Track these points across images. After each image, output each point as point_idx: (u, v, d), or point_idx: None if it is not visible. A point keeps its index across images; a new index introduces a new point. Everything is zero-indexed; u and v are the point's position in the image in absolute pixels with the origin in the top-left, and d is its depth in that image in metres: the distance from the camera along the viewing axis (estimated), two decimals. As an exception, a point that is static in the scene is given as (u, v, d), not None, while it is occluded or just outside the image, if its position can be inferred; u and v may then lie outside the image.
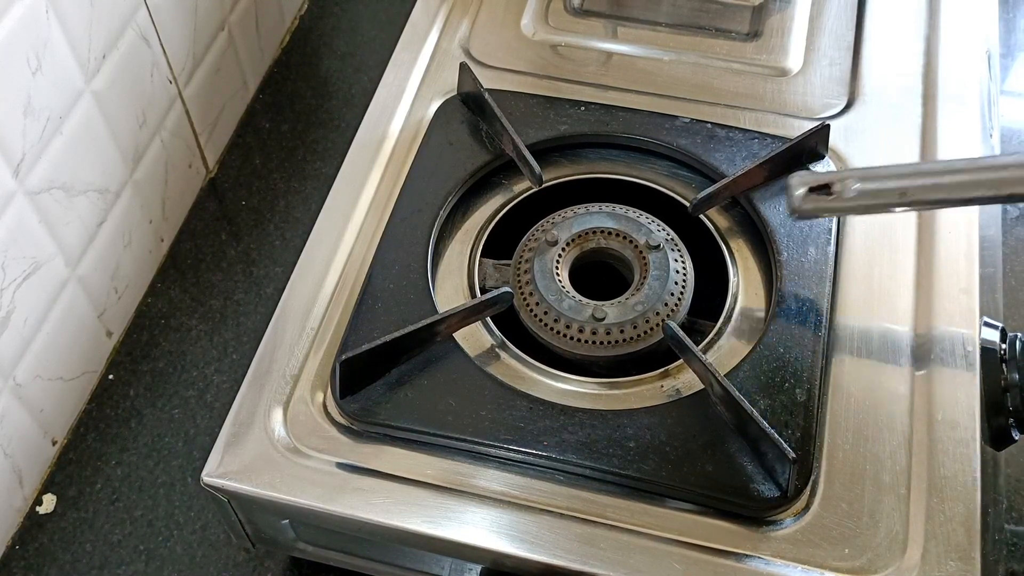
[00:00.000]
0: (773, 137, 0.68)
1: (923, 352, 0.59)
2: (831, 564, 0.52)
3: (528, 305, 0.62)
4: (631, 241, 0.64)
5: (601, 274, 0.65)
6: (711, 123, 0.69)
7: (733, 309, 0.62)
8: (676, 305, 0.61)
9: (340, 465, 0.57)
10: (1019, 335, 0.60)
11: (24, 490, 0.70)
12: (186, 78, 0.80)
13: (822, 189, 0.55)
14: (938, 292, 0.61)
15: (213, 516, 0.69)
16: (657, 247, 0.63)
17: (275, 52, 0.94)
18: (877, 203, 0.56)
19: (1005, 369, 0.59)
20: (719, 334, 0.61)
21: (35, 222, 0.66)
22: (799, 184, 0.56)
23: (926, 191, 0.55)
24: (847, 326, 0.60)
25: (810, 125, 0.67)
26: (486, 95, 0.68)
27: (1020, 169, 0.53)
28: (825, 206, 0.56)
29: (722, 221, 0.66)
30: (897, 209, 0.58)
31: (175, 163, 0.81)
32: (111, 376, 0.76)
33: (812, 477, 0.55)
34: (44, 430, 0.71)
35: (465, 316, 0.60)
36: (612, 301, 0.62)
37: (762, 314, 0.62)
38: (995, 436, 0.58)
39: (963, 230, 0.64)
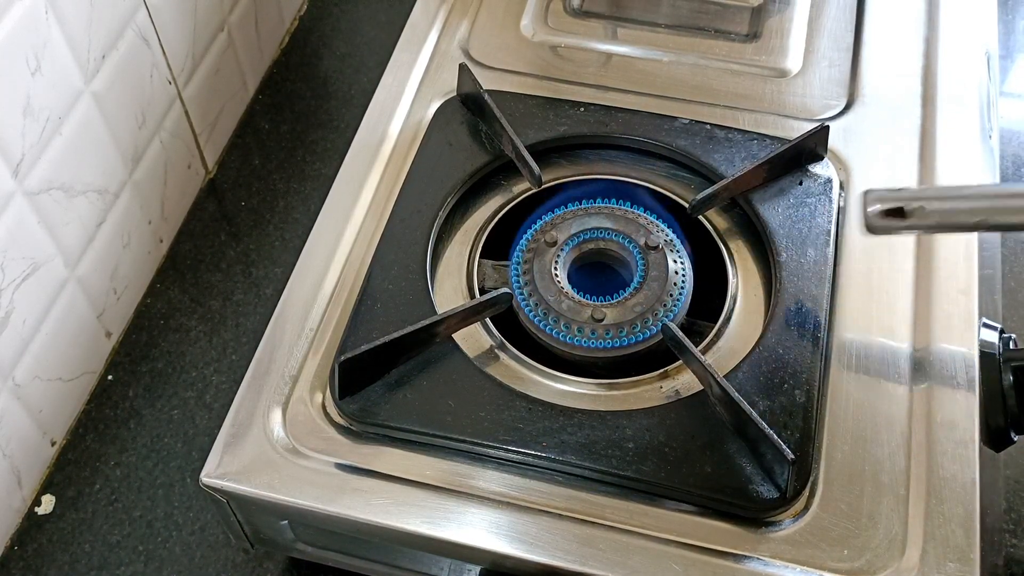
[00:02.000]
0: (772, 138, 0.68)
1: (922, 353, 0.59)
2: (830, 565, 0.52)
3: (527, 306, 0.62)
4: (630, 242, 0.64)
5: (600, 275, 0.65)
6: (710, 124, 0.69)
7: (732, 310, 0.62)
8: (675, 306, 0.61)
9: (339, 466, 0.57)
10: (1012, 336, 0.60)
11: (23, 491, 0.70)
12: (185, 79, 0.80)
13: (896, 213, 0.55)
14: (937, 293, 0.61)
15: (212, 517, 0.69)
16: (656, 248, 0.63)
17: (274, 53, 0.94)
18: (954, 224, 0.56)
19: (1003, 370, 0.59)
20: (718, 335, 0.61)
21: (34, 222, 0.66)
22: (874, 201, 0.55)
23: (1006, 214, 0.54)
24: (846, 327, 0.60)
25: (809, 126, 0.67)
26: (485, 96, 0.68)
27: None
28: (898, 226, 0.55)
29: (721, 222, 0.66)
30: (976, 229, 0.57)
31: (174, 164, 0.81)
32: (110, 377, 0.76)
33: (811, 478, 0.55)
34: (43, 431, 0.71)
35: (464, 317, 0.60)
36: (611, 302, 0.62)
37: (761, 315, 0.62)
38: (994, 437, 0.58)
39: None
